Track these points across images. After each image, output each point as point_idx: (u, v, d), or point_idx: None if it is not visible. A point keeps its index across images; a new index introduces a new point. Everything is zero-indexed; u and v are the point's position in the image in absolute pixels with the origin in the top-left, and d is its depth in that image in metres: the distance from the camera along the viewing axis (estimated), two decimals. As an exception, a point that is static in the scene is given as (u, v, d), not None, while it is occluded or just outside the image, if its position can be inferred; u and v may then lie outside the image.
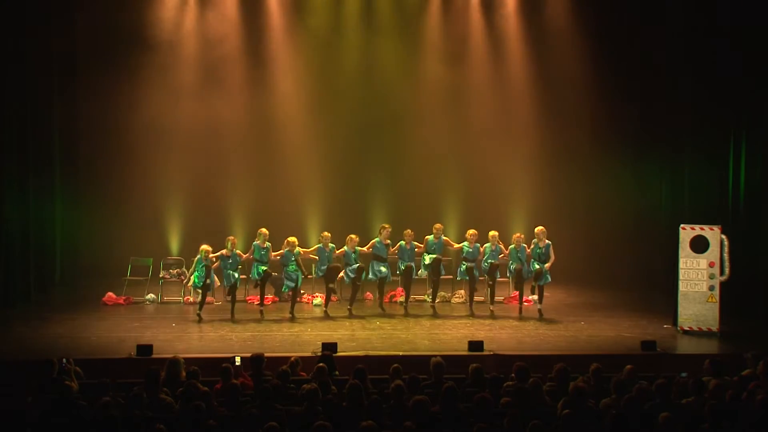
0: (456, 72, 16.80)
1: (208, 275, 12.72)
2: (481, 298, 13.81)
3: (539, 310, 13.08)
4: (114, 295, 14.02)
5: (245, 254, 13.13)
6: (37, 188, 14.42)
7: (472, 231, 13.41)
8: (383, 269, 13.23)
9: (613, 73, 16.61)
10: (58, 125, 15.32)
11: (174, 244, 16.57)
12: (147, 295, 14.19)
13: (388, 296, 13.95)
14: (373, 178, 16.87)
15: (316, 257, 13.20)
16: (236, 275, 12.93)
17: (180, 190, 16.52)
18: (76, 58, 15.97)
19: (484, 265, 13.27)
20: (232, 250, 12.92)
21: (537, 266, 13.07)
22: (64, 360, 8.73)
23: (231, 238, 13.16)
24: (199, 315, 12.70)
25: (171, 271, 14.96)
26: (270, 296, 14.03)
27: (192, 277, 13.11)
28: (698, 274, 12.20)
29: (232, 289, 12.88)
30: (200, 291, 12.87)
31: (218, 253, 12.93)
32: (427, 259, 13.28)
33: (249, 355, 9.01)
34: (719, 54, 13.85)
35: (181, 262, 15.24)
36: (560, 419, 6.86)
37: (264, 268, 12.96)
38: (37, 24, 14.18)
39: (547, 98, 16.88)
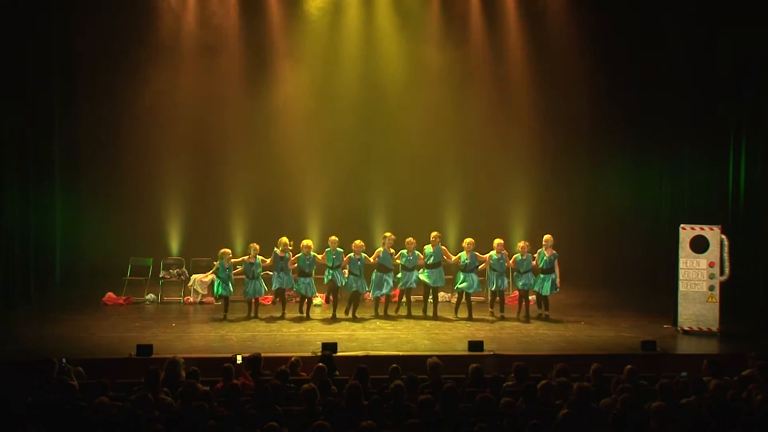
0: (455, 69, 16.79)
1: (227, 284, 12.88)
2: (481, 299, 13.78)
3: (546, 315, 13.06)
4: (114, 295, 14.02)
5: (268, 260, 13.10)
6: (37, 188, 14.43)
7: (468, 240, 13.29)
8: (388, 282, 13.13)
9: (613, 73, 16.61)
10: (58, 125, 15.32)
11: (174, 244, 16.57)
12: (147, 295, 14.20)
13: (385, 297, 13.83)
14: (374, 177, 16.85)
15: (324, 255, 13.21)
16: (259, 283, 13.01)
17: (180, 190, 16.52)
18: (76, 57, 15.98)
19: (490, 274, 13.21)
20: (255, 257, 12.97)
21: (542, 278, 13.09)
22: (64, 360, 8.73)
23: (254, 245, 13.19)
24: (225, 316, 12.80)
25: (171, 271, 14.97)
26: (270, 296, 14.05)
27: (212, 280, 13.31)
28: (698, 274, 12.20)
29: (255, 300, 13.01)
30: (223, 296, 12.97)
31: (241, 259, 13.10)
32: (429, 279, 13.19)
33: (247, 355, 9.01)
34: (719, 54, 13.85)
35: (181, 262, 15.25)
36: (560, 419, 6.85)
37: (278, 285, 13.05)
38: (37, 24, 14.17)
39: (547, 99, 16.88)
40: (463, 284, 13.05)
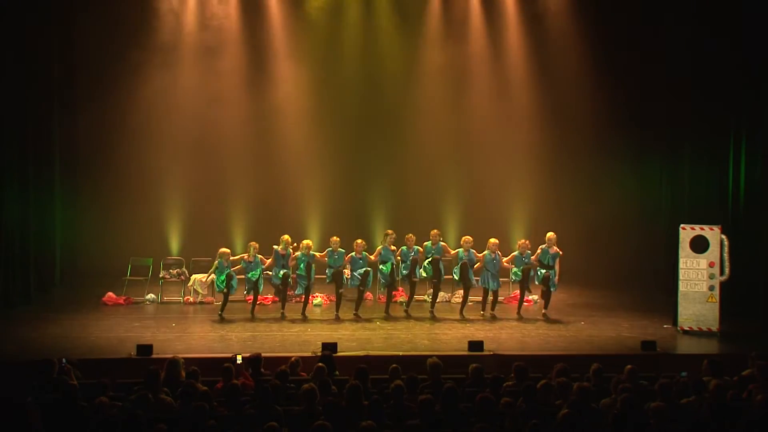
0: (455, 68, 16.83)
1: (230, 279, 12.80)
2: (478, 298, 13.78)
3: (545, 314, 13.08)
4: (114, 295, 14.01)
5: (267, 260, 13.10)
6: (37, 188, 14.42)
7: (466, 237, 13.35)
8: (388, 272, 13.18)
9: (613, 73, 16.59)
10: (58, 125, 15.30)
11: (174, 244, 16.56)
12: (147, 295, 14.19)
13: (385, 298, 13.83)
14: (373, 175, 16.86)
15: (326, 258, 13.21)
16: (258, 278, 12.99)
17: (180, 190, 16.51)
18: (76, 57, 15.97)
19: (486, 272, 13.21)
20: (254, 255, 12.98)
21: (543, 272, 13.06)
22: (64, 360, 8.73)
23: (253, 243, 13.18)
24: (221, 315, 12.77)
25: (171, 271, 14.96)
26: (270, 296, 14.06)
27: (212, 280, 13.23)
28: (698, 274, 12.20)
29: (255, 292, 13.01)
30: (224, 293, 12.90)
31: (239, 257, 13.08)
32: (428, 273, 13.22)
33: (247, 355, 9.01)
34: (719, 54, 13.85)
35: (181, 262, 15.24)
36: (560, 419, 6.85)
37: (284, 271, 13.04)
38: (36, 24, 14.16)
39: (547, 98, 16.87)
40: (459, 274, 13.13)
